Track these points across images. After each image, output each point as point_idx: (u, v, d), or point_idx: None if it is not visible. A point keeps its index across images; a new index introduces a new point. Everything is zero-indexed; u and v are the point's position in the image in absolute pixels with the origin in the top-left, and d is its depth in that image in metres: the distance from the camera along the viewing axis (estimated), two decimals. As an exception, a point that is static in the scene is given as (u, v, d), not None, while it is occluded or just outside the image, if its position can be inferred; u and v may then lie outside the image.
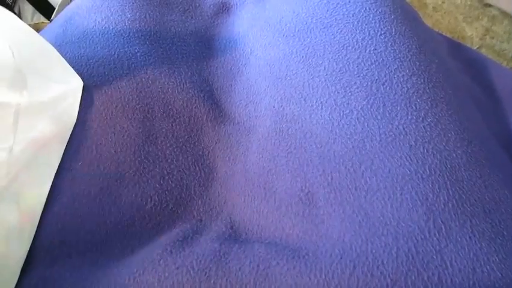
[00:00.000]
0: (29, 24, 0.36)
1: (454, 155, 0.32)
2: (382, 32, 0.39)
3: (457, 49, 0.54)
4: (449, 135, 0.33)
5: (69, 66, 0.36)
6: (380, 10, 0.40)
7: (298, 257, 0.26)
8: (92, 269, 0.27)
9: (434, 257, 0.26)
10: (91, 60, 0.37)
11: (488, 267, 0.26)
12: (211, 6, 0.48)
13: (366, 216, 0.28)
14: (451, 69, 0.44)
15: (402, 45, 0.39)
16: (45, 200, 0.28)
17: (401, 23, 0.41)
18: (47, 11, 0.79)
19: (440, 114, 0.34)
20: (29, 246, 0.26)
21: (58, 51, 0.37)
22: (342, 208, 0.29)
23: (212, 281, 0.25)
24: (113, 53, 0.37)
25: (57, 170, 0.30)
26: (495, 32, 1.20)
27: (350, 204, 0.29)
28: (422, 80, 0.36)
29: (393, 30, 0.40)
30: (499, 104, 0.48)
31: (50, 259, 0.27)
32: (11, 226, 0.25)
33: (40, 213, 0.27)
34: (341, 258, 0.26)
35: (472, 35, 1.16)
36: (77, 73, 0.36)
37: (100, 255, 0.28)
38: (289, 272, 0.26)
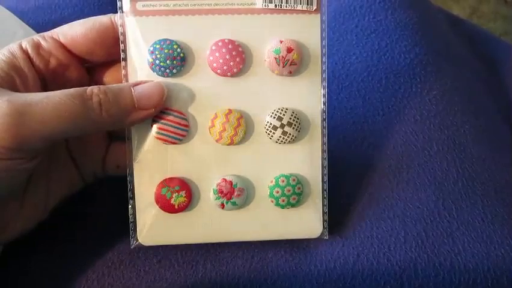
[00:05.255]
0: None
1: (462, 130, 0.29)
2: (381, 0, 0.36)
3: (455, 23, 0.51)
4: (456, 108, 0.31)
5: (34, 32, 0.32)
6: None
7: (298, 248, 0.24)
8: (62, 260, 0.24)
9: (445, 240, 0.24)
10: (57, 27, 0.33)
11: (502, 250, 0.24)
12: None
13: (369, 198, 0.26)
14: (452, 42, 0.41)
15: (403, 13, 0.36)
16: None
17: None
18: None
19: (446, 87, 0.32)
20: None
21: (21, 18, 0.33)
22: (344, 189, 0.26)
23: (200, 275, 0.22)
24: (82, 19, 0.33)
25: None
26: (482, 11, 1.18)
27: (351, 185, 0.26)
28: (425, 51, 0.33)
29: (393, -2, 0.37)
30: (500, 78, 0.45)
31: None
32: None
33: None
34: (343, 245, 0.24)
35: (458, 14, 1.15)
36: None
37: (70, 244, 0.24)
38: (287, 264, 0.23)
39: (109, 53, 0.22)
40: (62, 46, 0.22)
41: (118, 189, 0.23)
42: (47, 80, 0.22)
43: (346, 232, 0.24)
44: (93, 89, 0.19)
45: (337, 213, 0.25)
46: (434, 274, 0.23)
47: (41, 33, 0.22)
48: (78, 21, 0.22)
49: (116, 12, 0.36)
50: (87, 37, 0.21)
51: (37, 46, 0.21)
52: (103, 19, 0.22)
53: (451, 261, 0.23)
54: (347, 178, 0.26)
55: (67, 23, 0.34)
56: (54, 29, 0.22)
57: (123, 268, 0.23)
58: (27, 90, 0.20)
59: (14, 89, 0.20)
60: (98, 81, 0.23)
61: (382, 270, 0.23)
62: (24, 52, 0.21)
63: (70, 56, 0.22)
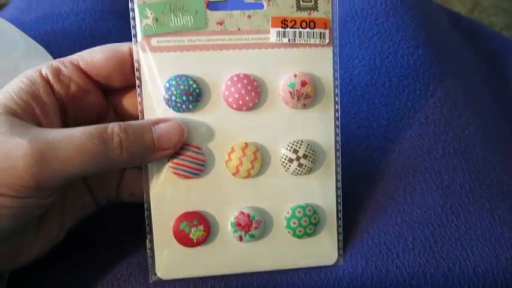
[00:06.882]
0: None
1: (467, 131, 0.29)
2: (382, 1, 0.36)
3: (457, 20, 0.51)
4: (460, 110, 0.30)
5: (37, 44, 0.32)
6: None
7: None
8: (70, 274, 0.24)
9: (454, 245, 0.24)
10: (59, 38, 0.33)
11: (511, 253, 0.24)
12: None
13: (376, 204, 0.26)
14: (454, 41, 0.41)
15: (405, 15, 0.36)
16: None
17: (402, -9, 0.37)
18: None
19: (450, 87, 0.31)
20: None
21: (22, 30, 0.33)
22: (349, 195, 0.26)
23: (209, 285, 0.22)
24: (84, 29, 0.33)
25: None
26: (483, 6, 1.17)
27: (357, 190, 0.26)
28: (428, 52, 0.33)
29: (394, -2, 0.36)
30: (502, 75, 0.45)
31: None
32: None
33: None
34: (351, 254, 0.24)
35: (460, 9, 1.14)
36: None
37: (82, 254, 0.24)
38: (296, 273, 0.23)
39: (127, 79, 0.22)
40: (82, 71, 0.21)
41: (128, 206, 0.23)
42: (66, 105, 0.22)
43: (353, 239, 0.24)
44: (114, 128, 0.19)
45: (343, 220, 0.24)
46: (443, 280, 0.23)
47: (59, 59, 0.22)
48: (97, 47, 0.22)
49: (117, 22, 0.36)
50: (107, 64, 0.21)
51: (57, 72, 0.21)
52: (123, 47, 0.21)
53: (460, 266, 0.23)
54: (352, 184, 0.26)
55: (69, 33, 0.34)
56: (72, 55, 0.22)
57: (133, 280, 0.23)
58: (46, 118, 0.20)
59: (34, 118, 0.20)
60: (116, 105, 0.23)
61: (391, 277, 0.23)
62: (44, 79, 0.21)
63: (89, 81, 0.22)
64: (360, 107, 0.29)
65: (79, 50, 0.33)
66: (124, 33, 0.35)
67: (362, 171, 0.27)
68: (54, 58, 0.32)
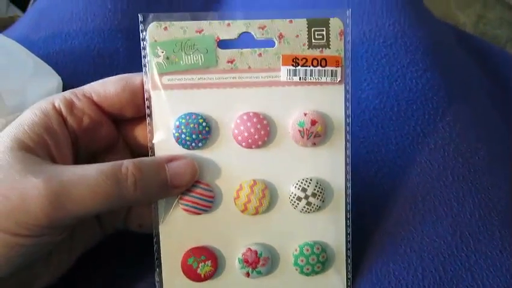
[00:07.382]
0: (3, 18, 0.32)
1: (477, 157, 0.29)
2: (390, 23, 0.36)
3: (462, 38, 0.51)
4: (470, 135, 0.30)
5: (44, 63, 0.32)
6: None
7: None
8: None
9: (464, 275, 0.24)
10: (68, 57, 0.33)
11: (522, 284, 0.24)
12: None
13: (385, 232, 0.25)
14: (461, 61, 0.41)
15: (413, 36, 0.35)
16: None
17: (410, 11, 0.37)
18: (23, 2, 0.74)
19: (459, 111, 0.31)
20: None
21: (30, 49, 0.33)
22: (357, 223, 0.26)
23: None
24: (92, 48, 0.33)
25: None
26: (488, 18, 1.17)
27: (366, 218, 0.26)
28: (436, 75, 0.33)
29: (402, 20, 0.36)
30: (507, 91, 0.45)
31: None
32: None
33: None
34: (360, 286, 0.23)
35: (464, 22, 1.14)
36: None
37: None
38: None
39: (139, 110, 0.22)
40: (95, 104, 0.21)
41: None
42: (78, 137, 0.21)
43: (362, 269, 0.24)
44: (128, 167, 0.19)
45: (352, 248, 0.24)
46: (453, 312, 0.22)
47: (71, 90, 0.21)
48: (108, 78, 0.22)
49: (125, 42, 0.36)
50: (119, 96, 0.21)
51: (70, 105, 0.21)
52: (135, 79, 0.21)
53: (471, 298, 0.23)
54: (362, 212, 0.26)
55: (78, 52, 0.34)
56: (84, 86, 0.22)
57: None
58: (58, 151, 0.20)
59: (47, 151, 0.20)
60: (125, 135, 0.23)
61: (401, 308, 0.22)
62: (57, 111, 0.20)
63: (101, 113, 0.22)
64: (369, 132, 0.29)
65: (87, 70, 0.33)
66: (133, 52, 0.36)
67: (371, 198, 0.27)
68: (62, 77, 0.32)
